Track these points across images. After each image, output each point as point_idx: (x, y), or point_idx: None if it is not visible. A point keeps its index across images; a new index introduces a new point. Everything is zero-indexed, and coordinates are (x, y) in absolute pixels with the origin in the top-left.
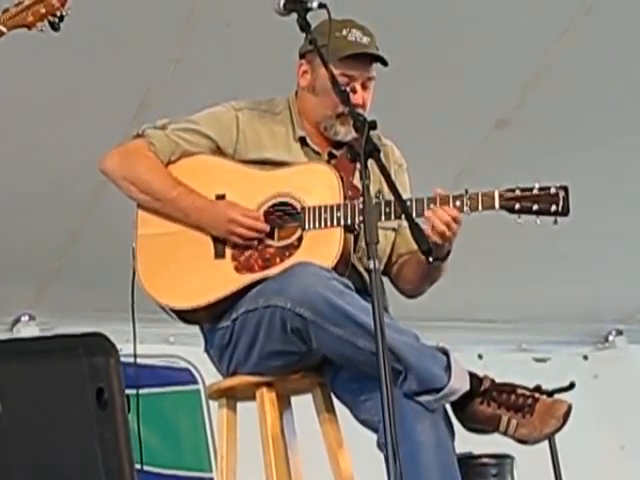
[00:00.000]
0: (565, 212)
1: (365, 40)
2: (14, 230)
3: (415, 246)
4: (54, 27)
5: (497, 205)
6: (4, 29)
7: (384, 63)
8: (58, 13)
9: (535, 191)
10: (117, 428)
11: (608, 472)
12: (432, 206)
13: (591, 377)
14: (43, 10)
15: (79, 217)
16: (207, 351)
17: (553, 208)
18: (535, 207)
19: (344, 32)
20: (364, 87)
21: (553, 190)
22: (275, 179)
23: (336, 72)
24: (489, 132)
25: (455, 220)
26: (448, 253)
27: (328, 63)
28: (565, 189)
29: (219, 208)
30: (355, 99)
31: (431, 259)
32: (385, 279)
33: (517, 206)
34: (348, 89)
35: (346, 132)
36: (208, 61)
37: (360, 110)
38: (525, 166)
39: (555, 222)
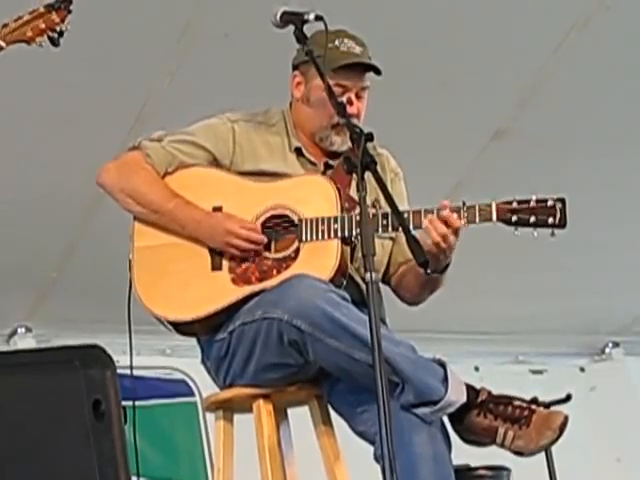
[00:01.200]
0: (562, 224)
1: (358, 50)
2: (11, 242)
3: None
4: (54, 42)
5: (494, 217)
6: (3, 44)
7: (377, 72)
8: (58, 29)
9: (532, 203)
10: (114, 440)
11: None
12: (430, 216)
13: (588, 389)
14: (43, 25)
15: (76, 229)
16: (204, 363)
17: (550, 220)
18: (532, 219)
19: (337, 42)
20: (358, 97)
21: (550, 202)
22: (272, 191)
23: (330, 83)
24: (486, 144)
25: (454, 232)
26: (447, 266)
27: (325, 74)
28: (562, 201)
29: (216, 220)
30: (351, 110)
31: (428, 271)
32: (384, 288)
33: (514, 218)
34: (344, 100)
35: (342, 142)
36: (205, 73)
37: (355, 120)
38: (522, 178)
39: (552, 234)
